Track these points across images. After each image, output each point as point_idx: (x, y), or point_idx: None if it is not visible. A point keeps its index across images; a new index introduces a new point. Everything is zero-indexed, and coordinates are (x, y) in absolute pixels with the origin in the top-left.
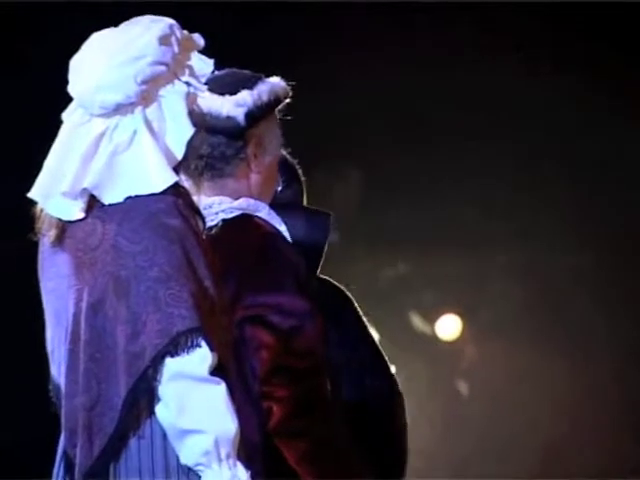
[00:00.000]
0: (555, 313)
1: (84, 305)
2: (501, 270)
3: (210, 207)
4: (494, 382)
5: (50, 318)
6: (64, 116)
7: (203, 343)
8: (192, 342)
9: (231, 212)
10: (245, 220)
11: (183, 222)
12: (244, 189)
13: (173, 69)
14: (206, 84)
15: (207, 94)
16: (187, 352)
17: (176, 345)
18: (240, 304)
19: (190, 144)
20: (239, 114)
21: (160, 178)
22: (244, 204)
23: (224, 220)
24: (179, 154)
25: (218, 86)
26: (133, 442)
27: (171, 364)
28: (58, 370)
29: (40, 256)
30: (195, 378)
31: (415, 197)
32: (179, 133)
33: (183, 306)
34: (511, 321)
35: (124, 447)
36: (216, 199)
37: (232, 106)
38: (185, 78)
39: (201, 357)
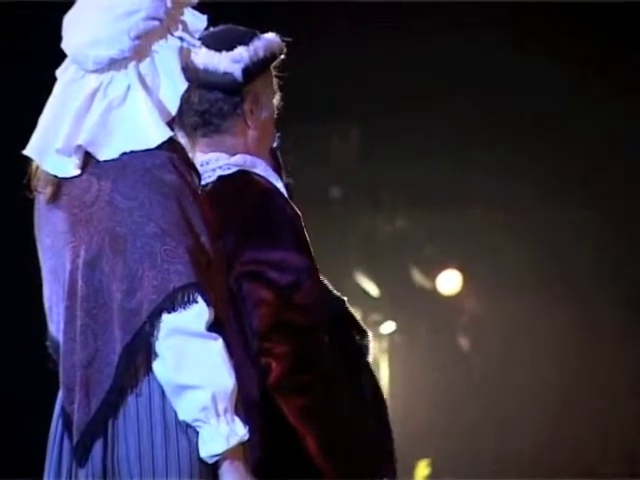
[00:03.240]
0: (556, 266)
1: (80, 262)
2: (502, 225)
3: (207, 164)
4: (495, 335)
5: (47, 275)
6: (58, 73)
7: (200, 299)
8: (189, 298)
9: (228, 168)
10: (243, 177)
11: (179, 177)
12: (241, 145)
13: (166, 24)
14: (202, 40)
15: (204, 50)
16: (184, 308)
17: (173, 301)
18: (238, 260)
19: (184, 99)
20: (236, 70)
21: (155, 133)
22: (241, 160)
23: (221, 176)
24: (173, 109)
25: (214, 42)
26: (131, 399)
27: (168, 320)
28: (57, 327)
29: (36, 214)
30: (192, 334)
31: (415, 153)
32: (173, 88)
33: (179, 262)
34: (512, 275)
35: (122, 404)
36: (213, 155)
37: (229, 62)
38: (178, 33)
39: (198, 313)
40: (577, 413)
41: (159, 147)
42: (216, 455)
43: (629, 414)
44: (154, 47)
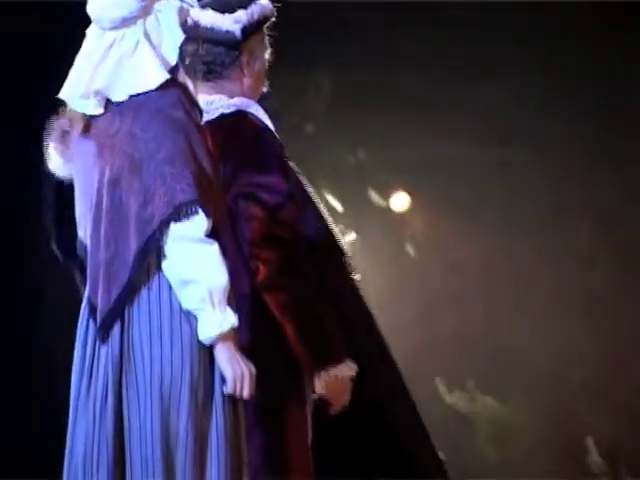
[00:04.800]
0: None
1: (105, 180)
2: (448, 157)
3: (211, 103)
4: (436, 244)
5: (79, 192)
6: (87, 33)
7: (200, 211)
8: (192, 210)
9: (228, 108)
10: (241, 116)
11: (185, 114)
12: (238, 90)
13: None
14: (209, 4)
15: (211, 12)
16: (188, 219)
17: (179, 213)
18: (236, 183)
19: (194, 51)
20: (236, 29)
21: (154, 77)
22: (239, 102)
23: (223, 114)
24: (173, 59)
25: (220, 6)
26: (144, 292)
27: (175, 228)
28: (85, 233)
29: (70, 146)
30: (194, 239)
31: (379, 99)
32: (173, 41)
33: (185, 182)
34: (453, 196)
35: (136, 296)
36: (216, 97)
37: (231, 23)
38: None
39: (198, 223)
40: (518, 314)
41: (169, 89)
42: (212, 337)
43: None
44: (157, 7)
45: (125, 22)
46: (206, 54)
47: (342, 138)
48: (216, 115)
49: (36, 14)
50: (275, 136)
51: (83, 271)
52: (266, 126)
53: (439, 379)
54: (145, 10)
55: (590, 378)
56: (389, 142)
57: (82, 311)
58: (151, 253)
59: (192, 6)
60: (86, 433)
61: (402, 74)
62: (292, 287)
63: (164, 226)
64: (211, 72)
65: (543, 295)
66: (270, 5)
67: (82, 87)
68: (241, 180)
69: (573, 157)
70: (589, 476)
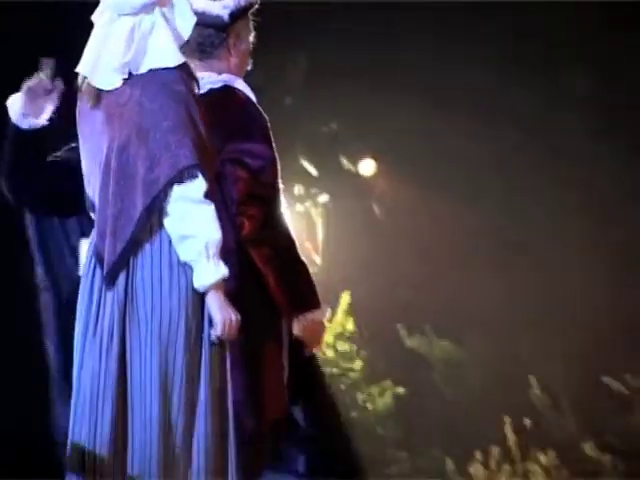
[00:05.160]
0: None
1: (115, 145)
2: (413, 127)
3: (202, 79)
4: (400, 205)
5: (85, 154)
6: (93, 18)
7: (200, 175)
8: (192, 174)
9: (217, 83)
10: (228, 90)
11: (186, 88)
12: (225, 68)
13: None
14: None
15: None
16: (189, 181)
17: (181, 176)
18: (224, 149)
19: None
20: (225, 14)
21: (173, 57)
22: (226, 77)
23: (211, 89)
24: (186, 36)
25: None
26: (147, 245)
27: (177, 189)
28: (93, 192)
29: (78, 114)
30: (194, 200)
31: (351, 75)
32: (186, 23)
33: (187, 148)
34: (416, 162)
35: (140, 249)
36: (206, 74)
37: (220, 8)
38: None
39: (198, 185)
40: (470, 267)
41: (174, 67)
42: (206, 286)
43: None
44: None
45: (144, 8)
46: (197, 36)
47: (317, 110)
48: (205, 90)
49: (36, 14)
50: (258, 108)
51: (34, 213)
52: (250, 99)
53: (400, 325)
54: None
55: (531, 323)
56: (359, 113)
57: (87, 260)
58: (155, 211)
59: None
60: (92, 370)
61: (372, 53)
62: (274, 240)
63: (168, 187)
64: (202, 52)
65: (494, 250)
66: None
67: (115, 62)
68: (228, 147)
69: (534, 124)
70: (533, 409)
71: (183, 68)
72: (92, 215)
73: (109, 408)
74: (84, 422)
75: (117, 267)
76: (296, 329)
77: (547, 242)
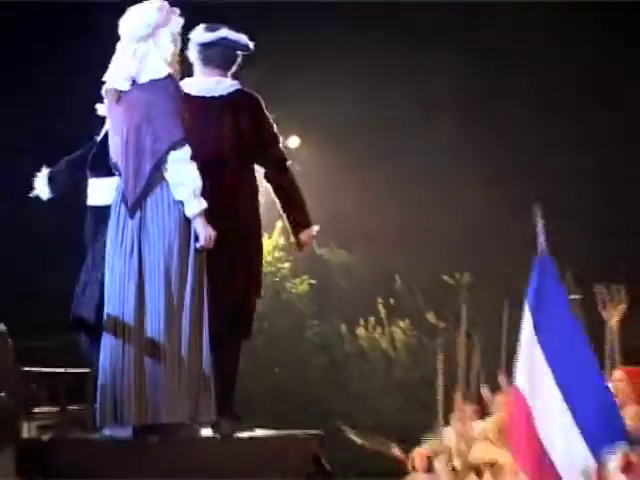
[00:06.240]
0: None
1: (132, 127)
2: (338, 113)
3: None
4: (318, 170)
5: (112, 133)
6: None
7: (186, 145)
8: (182, 144)
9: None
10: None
11: (175, 90)
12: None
13: (164, 22)
14: None
15: None
16: (180, 149)
17: (175, 146)
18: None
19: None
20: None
21: (163, 70)
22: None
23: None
24: (169, 58)
25: None
26: (155, 190)
27: (173, 154)
28: (116, 157)
29: (107, 107)
30: (183, 160)
31: (287, 68)
32: (169, 49)
33: (178, 128)
34: (333, 138)
35: (150, 192)
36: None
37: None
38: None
39: (186, 150)
40: (380, 199)
41: (167, 77)
42: (194, 213)
43: None
44: (162, 29)
45: (141, 39)
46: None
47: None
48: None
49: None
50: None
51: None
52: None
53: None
54: (153, 33)
55: (403, 238)
56: (294, 100)
57: (115, 200)
58: (160, 168)
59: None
60: (119, 272)
61: (317, 44)
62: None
63: (167, 153)
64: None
65: (385, 188)
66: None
67: (123, 73)
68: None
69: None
70: (395, 293)
71: (171, 77)
72: (115, 173)
73: (132, 291)
74: (116, 299)
75: (136, 204)
76: (302, 238)
77: (420, 179)
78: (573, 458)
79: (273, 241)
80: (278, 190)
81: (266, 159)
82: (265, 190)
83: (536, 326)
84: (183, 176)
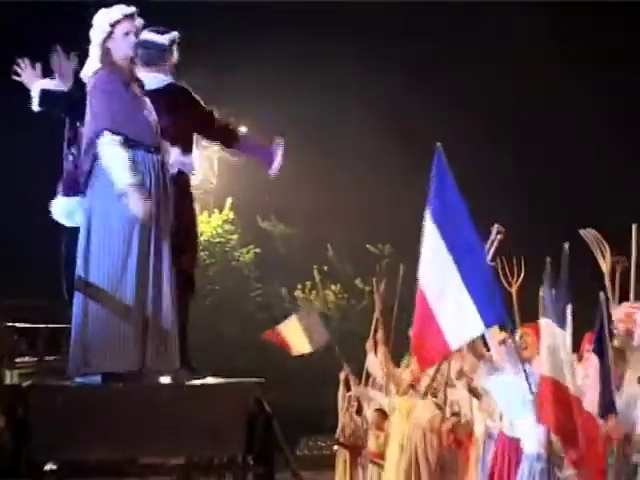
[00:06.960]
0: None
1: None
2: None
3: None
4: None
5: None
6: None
7: (109, 132)
8: (103, 133)
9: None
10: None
11: (110, 85)
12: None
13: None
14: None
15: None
16: (103, 136)
17: (98, 134)
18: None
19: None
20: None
21: (94, 64)
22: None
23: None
24: (116, 59)
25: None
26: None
27: (101, 139)
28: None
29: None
30: (110, 144)
31: (247, 70)
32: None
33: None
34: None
35: (96, 166)
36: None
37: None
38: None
39: (111, 137)
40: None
41: (104, 70)
42: (121, 189)
43: None
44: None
45: (98, 44)
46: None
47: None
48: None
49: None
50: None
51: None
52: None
53: (257, 214)
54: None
55: (334, 211)
56: (251, 99)
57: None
58: (94, 150)
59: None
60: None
61: (271, 49)
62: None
63: (97, 137)
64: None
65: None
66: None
67: (87, 67)
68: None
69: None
70: (328, 261)
71: (104, 70)
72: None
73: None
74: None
75: (88, 171)
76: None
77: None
78: (462, 322)
79: (224, 215)
80: (242, 147)
81: (213, 131)
82: (217, 171)
83: (433, 214)
84: (109, 158)
